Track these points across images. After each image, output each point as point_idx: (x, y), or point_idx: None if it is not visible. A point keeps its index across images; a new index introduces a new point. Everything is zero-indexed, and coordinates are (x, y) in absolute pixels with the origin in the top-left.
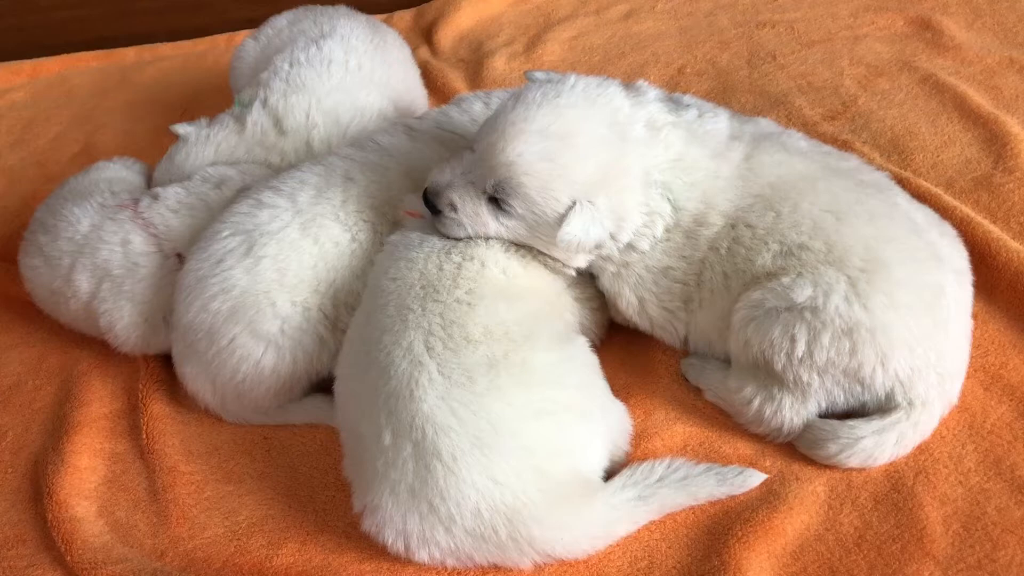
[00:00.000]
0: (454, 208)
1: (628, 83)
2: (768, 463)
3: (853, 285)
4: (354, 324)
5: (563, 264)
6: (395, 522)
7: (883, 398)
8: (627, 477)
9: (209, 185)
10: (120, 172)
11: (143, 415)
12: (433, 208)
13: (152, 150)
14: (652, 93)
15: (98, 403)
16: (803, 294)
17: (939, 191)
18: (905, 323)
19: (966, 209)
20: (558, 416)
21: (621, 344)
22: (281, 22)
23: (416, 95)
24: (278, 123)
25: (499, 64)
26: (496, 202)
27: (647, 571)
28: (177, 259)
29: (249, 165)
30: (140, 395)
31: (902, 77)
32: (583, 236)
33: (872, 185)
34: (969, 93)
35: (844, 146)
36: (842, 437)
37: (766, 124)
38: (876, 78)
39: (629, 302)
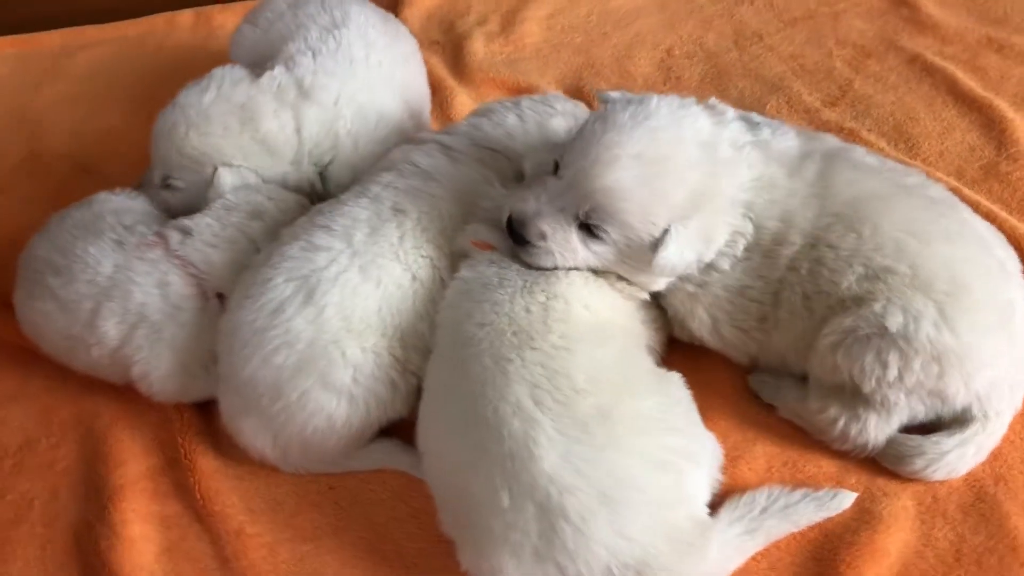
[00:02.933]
0: (543, 237)
1: (702, 102)
2: (854, 480)
3: (941, 311)
4: (434, 373)
5: (640, 289)
6: None
7: (959, 411)
8: (732, 512)
9: (242, 215)
10: (126, 203)
11: (192, 472)
12: (520, 238)
13: (111, 156)
14: (730, 113)
15: (134, 461)
16: (895, 322)
17: (958, 184)
18: (987, 344)
19: (989, 204)
20: (677, 464)
21: (681, 361)
22: (280, 5)
23: (425, 94)
24: (302, 87)
25: (478, 47)
26: (587, 229)
27: None
28: (218, 300)
29: (274, 188)
30: (182, 449)
31: (890, 58)
32: (678, 260)
33: (941, 202)
34: (958, 75)
35: (850, 135)
36: (928, 452)
37: (831, 140)
38: (865, 59)
39: (702, 321)
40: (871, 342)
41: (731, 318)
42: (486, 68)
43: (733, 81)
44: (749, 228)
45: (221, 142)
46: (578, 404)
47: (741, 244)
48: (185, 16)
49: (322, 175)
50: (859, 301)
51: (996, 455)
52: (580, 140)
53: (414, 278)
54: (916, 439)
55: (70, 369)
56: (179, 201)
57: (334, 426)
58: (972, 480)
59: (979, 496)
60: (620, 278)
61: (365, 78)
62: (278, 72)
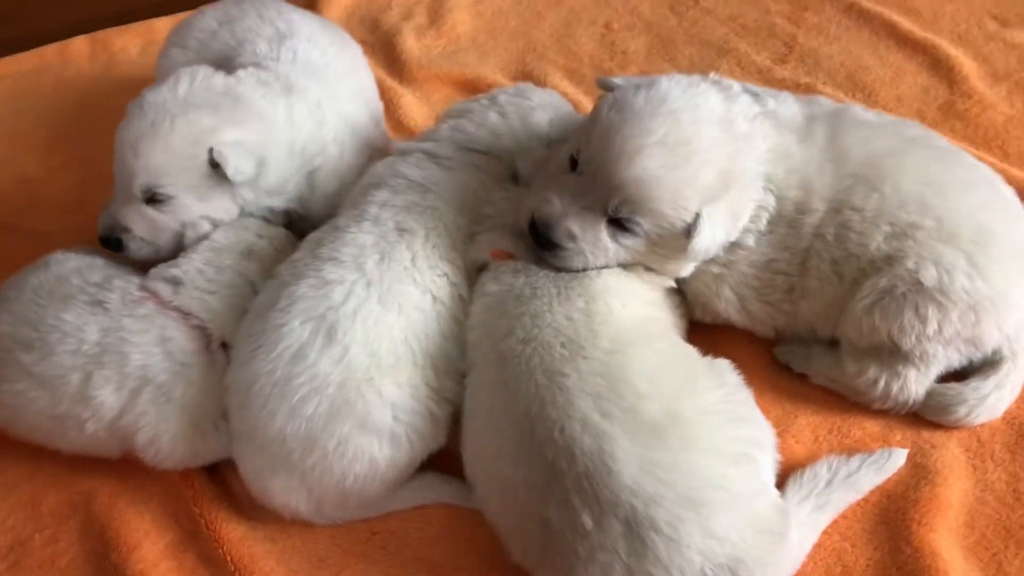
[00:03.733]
0: (573, 238)
1: (705, 76)
2: (899, 437)
3: (971, 261)
4: (477, 397)
5: (667, 277)
6: None
7: (990, 353)
8: (798, 490)
9: (234, 255)
10: (86, 259)
11: (219, 543)
12: (546, 242)
13: (33, 208)
14: (736, 86)
15: (148, 541)
16: (929, 276)
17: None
18: (1017, 286)
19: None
20: (750, 453)
21: (700, 343)
22: (209, 23)
23: (378, 100)
24: (282, 81)
25: (411, 43)
26: (617, 223)
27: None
28: (223, 350)
29: (262, 224)
30: (202, 519)
31: (826, 8)
32: (712, 243)
33: (948, 151)
34: (895, 18)
35: (807, 89)
36: (969, 399)
37: (826, 102)
38: (803, 12)
39: (729, 301)
40: (908, 299)
41: (758, 293)
42: (425, 65)
43: (679, 49)
44: (771, 201)
45: (212, 120)
46: (645, 409)
47: (764, 218)
48: (78, 44)
49: (309, 185)
50: (890, 260)
51: None
52: (597, 132)
53: (435, 299)
54: (955, 387)
55: (46, 451)
56: (169, 221)
57: (377, 470)
58: (1010, 419)
59: (1020, 433)
60: (647, 269)
61: (332, 86)
62: (251, 68)
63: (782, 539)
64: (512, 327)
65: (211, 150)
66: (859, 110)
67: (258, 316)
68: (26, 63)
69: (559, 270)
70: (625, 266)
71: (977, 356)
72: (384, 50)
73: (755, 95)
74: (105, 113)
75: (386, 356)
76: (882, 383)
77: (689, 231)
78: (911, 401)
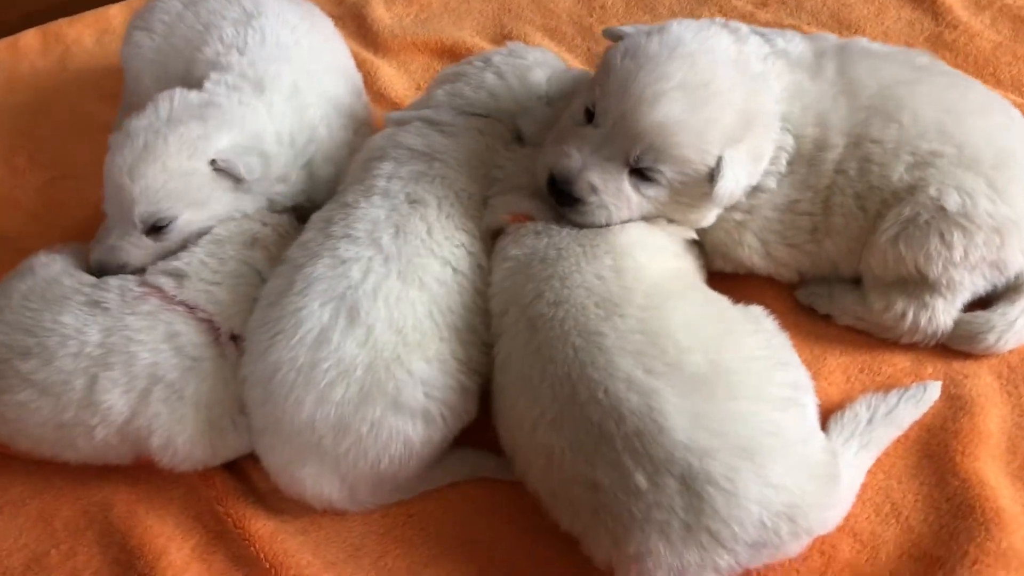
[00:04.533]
0: (595, 191)
1: (712, 20)
2: (930, 370)
3: (992, 185)
4: (509, 365)
5: (689, 227)
6: (669, 562)
7: (1013, 278)
8: (840, 431)
9: (237, 245)
10: (71, 260)
11: (249, 540)
12: (567, 198)
13: (5, 213)
14: (744, 28)
15: (174, 547)
16: (953, 202)
17: None
18: None
19: None
20: (797, 398)
21: (726, 287)
22: (173, 5)
23: (356, 72)
24: (249, 80)
25: (381, 13)
26: (639, 173)
27: (895, 513)
28: (233, 343)
29: (264, 212)
30: (228, 518)
31: None
32: (735, 186)
33: (956, 76)
34: None
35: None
36: (998, 326)
37: (831, 37)
38: None
39: (752, 247)
40: (932, 226)
41: (782, 237)
42: (399, 34)
43: (660, 0)
44: (789, 141)
45: (201, 130)
46: (688, 362)
47: (784, 159)
48: (29, 38)
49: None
50: (912, 189)
51: None
52: (613, 81)
53: (454, 270)
54: (983, 315)
55: (52, 463)
56: (170, 245)
57: (413, 450)
58: None
59: None
60: (669, 222)
61: (304, 64)
62: (216, 76)
63: (834, 481)
64: (540, 290)
65: (213, 161)
66: (865, 41)
67: (272, 303)
68: None
69: (581, 227)
70: (647, 219)
71: (1001, 281)
72: (355, 22)
73: (762, 35)
74: (65, 108)
75: (412, 333)
76: (910, 315)
77: (712, 176)
78: (940, 332)
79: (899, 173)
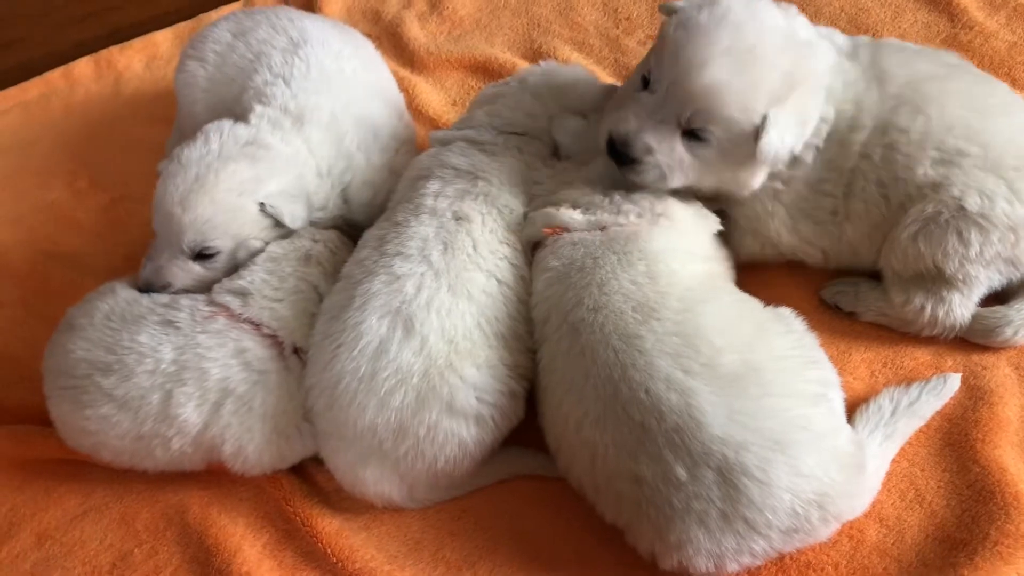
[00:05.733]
0: (650, 151)
1: None
2: (951, 363)
3: (1012, 186)
4: (553, 369)
5: (740, 191)
6: (708, 548)
7: None
8: (865, 423)
9: (294, 262)
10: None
11: (317, 537)
12: (625, 158)
13: (71, 233)
14: (793, 8)
15: (247, 544)
16: (973, 203)
17: None
18: None
19: None
20: (826, 393)
21: (752, 287)
22: (223, 35)
23: (399, 93)
24: (291, 113)
25: (415, 32)
26: (691, 135)
27: (919, 499)
28: (296, 355)
29: (315, 229)
30: (296, 517)
31: None
32: (780, 144)
33: (984, 77)
34: None
35: None
36: (1015, 319)
37: (862, 37)
38: None
39: (782, 221)
40: (951, 225)
41: (810, 216)
42: (434, 51)
43: None
44: (831, 113)
45: (251, 171)
46: (722, 362)
47: (824, 131)
48: (82, 66)
49: (344, 199)
50: (936, 187)
51: None
52: (666, 50)
53: (499, 282)
54: (1000, 310)
55: (129, 470)
56: (216, 275)
57: (467, 450)
58: None
59: None
60: (711, 199)
61: (348, 90)
62: (260, 110)
63: (861, 470)
64: (580, 297)
65: (262, 204)
66: (897, 41)
67: (333, 317)
68: (31, 91)
69: (639, 187)
70: (687, 199)
71: (1016, 276)
72: (390, 41)
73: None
74: (120, 132)
75: (462, 341)
76: (928, 309)
77: (758, 134)
78: (957, 325)
79: (924, 168)
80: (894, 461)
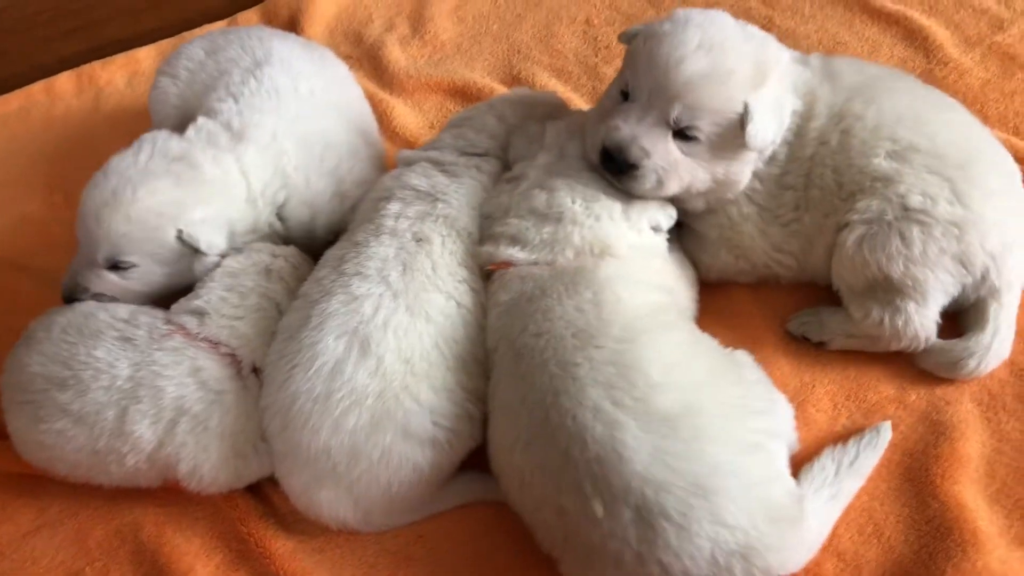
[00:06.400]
0: (647, 155)
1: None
2: (914, 397)
3: (954, 188)
4: (498, 393)
5: (734, 188)
6: None
7: (979, 278)
8: (811, 480)
9: (255, 277)
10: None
11: (270, 559)
12: (622, 165)
13: (41, 248)
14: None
15: (199, 564)
16: (915, 201)
17: None
18: (992, 205)
19: None
20: (766, 443)
21: (717, 321)
22: (197, 53)
23: (367, 114)
24: (232, 130)
25: (396, 55)
26: (681, 135)
27: (877, 534)
28: (254, 374)
29: (272, 245)
30: (250, 538)
31: None
32: (765, 129)
33: (925, 84)
34: None
35: None
36: (976, 351)
37: None
38: None
39: (755, 224)
40: (894, 227)
41: (777, 217)
42: (414, 74)
43: None
44: (798, 104)
45: (174, 193)
46: (657, 399)
47: (794, 122)
48: (64, 80)
49: (280, 217)
50: (887, 183)
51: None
52: (640, 61)
53: (459, 304)
54: (961, 342)
55: (87, 485)
56: (132, 285)
57: (422, 475)
58: (1018, 371)
59: None
60: (703, 203)
61: (298, 109)
62: (201, 122)
63: (795, 525)
64: (525, 324)
65: (180, 231)
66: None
67: (290, 337)
68: (11, 103)
69: (637, 196)
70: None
71: (969, 281)
72: (371, 63)
73: None
74: (98, 147)
75: (419, 362)
76: (887, 321)
77: (743, 124)
78: (921, 336)
79: (879, 159)
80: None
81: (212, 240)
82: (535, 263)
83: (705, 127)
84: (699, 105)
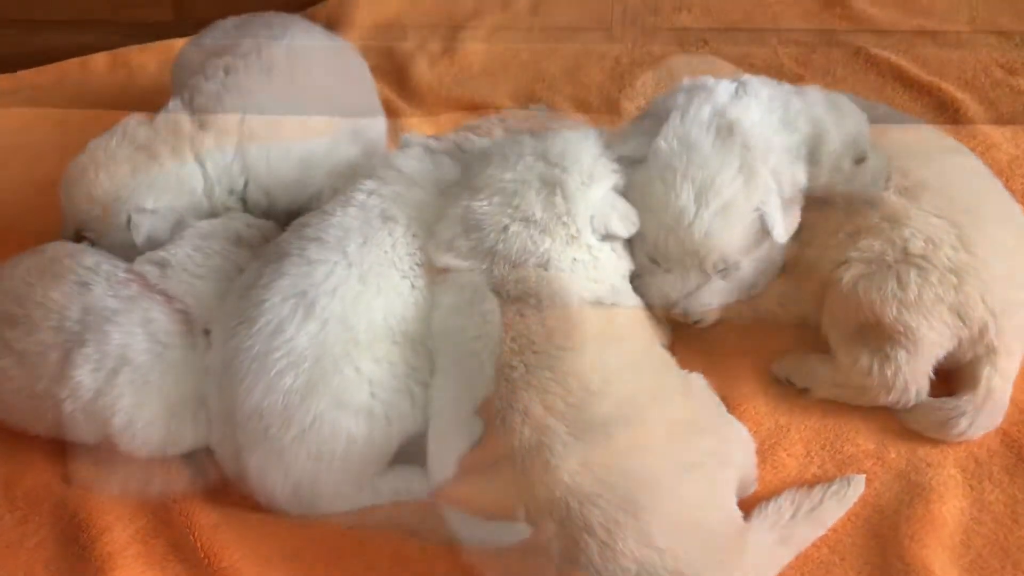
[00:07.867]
0: (708, 306)
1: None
2: (894, 455)
3: (960, 233)
4: (437, 391)
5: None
6: None
7: (977, 334)
8: (763, 520)
9: (223, 241)
10: (80, 245)
11: (190, 529)
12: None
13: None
14: (711, 80)
15: (120, 526)
16: (917, 246)
17: None
18: (1000, 258)
19: None
20: (706, 466)
21: (699, 357)
22: (227, 25)
23: (369, 109)
24: (198, 112)
25: (423, 70)
26: (723, 273)
27: None
28: (205, 336)
29: (246, 216)
30: (175, 507)
31: (834, 52)
32: (785, 223)
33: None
34: (902, 63)
35: None
36: (967, 411)
37: None
38: (810, 55)
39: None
40: (892, 269)
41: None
42: (436, 88)
43: None
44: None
45: (131, 181)
46: (594, 407)
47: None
48: (99, 59)
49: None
50: (894, 223)
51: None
52: (651, 226)
53: (412, 286)
54: (952, 401)
55: (28, 436)
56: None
57: (354, 447)
58: (1009, 442)
59: (1019, 456)
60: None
61: (279, 100)
62: (172, 106)
63: (732, 558)
64: (465, 326)
65: (129, 217)
66: None
67: (240, 295)
68: (46, 75)
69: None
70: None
71: (965, 335)
72: (397, 74)
73: (744, 83)
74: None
75: (364, 332)
76: (876, 369)
77: (764, 229)
78: (910, 387)
79: (888, 191)
80: (814, 545)
81: (156, 230)
82: (471, 270)
83: (744, 262)
84: (727, 251)
